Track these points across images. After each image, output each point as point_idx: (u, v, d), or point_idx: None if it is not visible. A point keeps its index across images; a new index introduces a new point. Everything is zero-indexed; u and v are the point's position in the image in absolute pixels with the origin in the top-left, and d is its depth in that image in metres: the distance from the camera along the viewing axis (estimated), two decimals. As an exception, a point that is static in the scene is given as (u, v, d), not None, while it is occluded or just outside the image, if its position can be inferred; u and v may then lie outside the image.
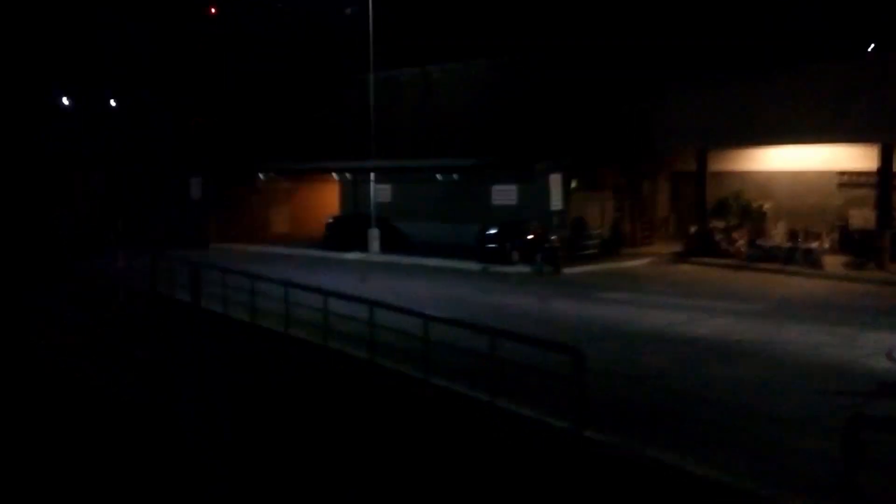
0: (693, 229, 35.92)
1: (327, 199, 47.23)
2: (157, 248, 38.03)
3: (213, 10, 46.63)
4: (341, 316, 16.55)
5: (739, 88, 32.06)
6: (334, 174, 39.06)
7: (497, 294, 23.89)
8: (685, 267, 30.19)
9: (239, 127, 42.60)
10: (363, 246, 35.11)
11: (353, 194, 40.54)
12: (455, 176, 33.89)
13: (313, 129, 42.58)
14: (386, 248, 35.03)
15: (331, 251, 35.73)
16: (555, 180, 28.59)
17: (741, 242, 31.48)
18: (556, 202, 28.75)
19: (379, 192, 38.89)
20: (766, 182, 34.20)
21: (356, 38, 38.88)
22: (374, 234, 34.94)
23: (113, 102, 46.03)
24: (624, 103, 33.68)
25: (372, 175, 34.83)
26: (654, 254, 33.08)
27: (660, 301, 22.31)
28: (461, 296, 23.31)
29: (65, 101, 46.72)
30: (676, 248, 33.86)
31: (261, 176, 39.44)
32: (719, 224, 33.42)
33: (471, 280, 27.22)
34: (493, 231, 30.74)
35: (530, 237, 29.51)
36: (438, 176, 32.70)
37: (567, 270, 28.36)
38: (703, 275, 28.20)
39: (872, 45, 30.58)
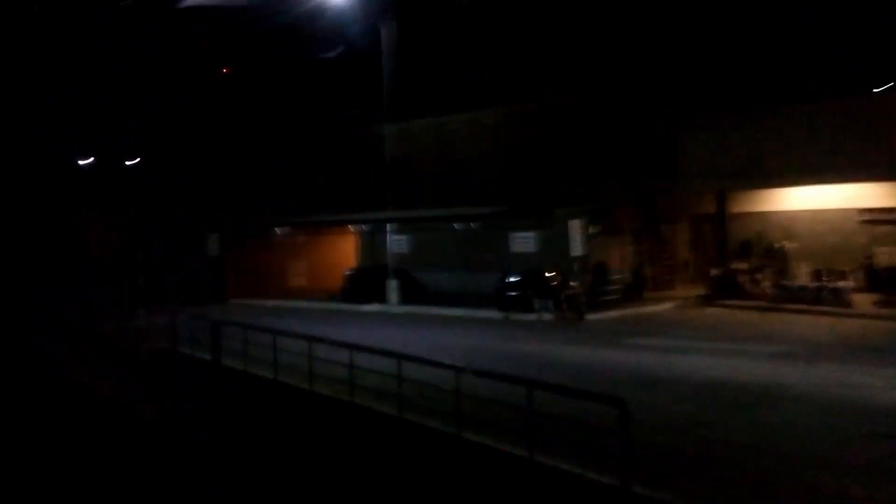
0: (714, 272, 35.59)
1: (344, 251, 47.06)
2: (176, 304, 38.08)
3: (225, 70, 47.31)
4: (366, 370, 16.14)
5: (756, 128, 31.99)
6: (351, 226, 38.90)
7: (521, 342, 23.42)
8: (711, 310, 29.67)
9: (253, 180, 42.73)
10: (382, 297, 34.83)
11: (371, 246, 40.41)
12: (473, 224, 33.69)
13: (328, 181, 42.73)
14: (405, 298, 34.72)
15: (349, 303, 35.41)
16: (574, 226, 28.34)
17: (766, 283, 30.99)
18: (577, 248, 28.44)
19: (396, 242, 38.75)
20: (787, 222, 33.85)
21: (368, 90, 39.29)
22: (392, 286, 34.67)
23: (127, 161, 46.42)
24: (642, 146, 33.61)
25: (388, 226, 34.66)
26: (678, 297, 32.62)
27: (690, 346, 21.77)
28: (486, 345, 22.85)
29: (81, 161, 47.20)
30: (699, 291, 33.41)
31: (277, 231, 39.34)
32: (742, 266, 33.02)
33: (493, 329, 26.78)
34: (513, 279, 30.38)
35: (552, 284, 29.12)
36: (456, 225, 32.49)
37: (591, 317, 27.92)
38: (730, 318, 27.66)
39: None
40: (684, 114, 32.61)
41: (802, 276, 32.00)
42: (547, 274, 30.28)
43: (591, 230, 31.40)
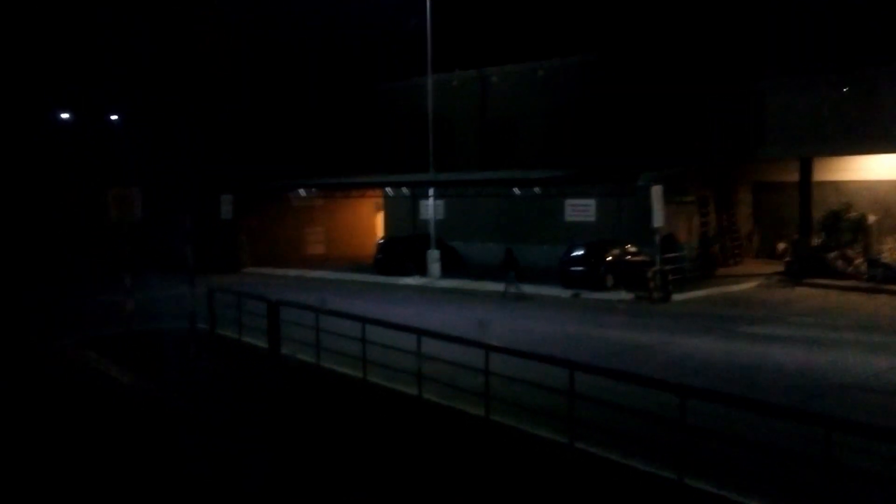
0: (782, 246, 32.46)
1: (363, 217, 43.42)
2: (183, 273, 34.35)
3: None
4: (463, 366, 12.63)
5: (853, 90, 28.49)
6: (387, 189, 34.85)
7: (614, 329, 19.93)
8: (803, 290, 26.34)
9: (269, 140, 38.73)
10: (420, 269, 31.28)
11: (402, 213, 36.77)
12: (518, 191, 29.96)
13: (350, 142, 38.87)
14: (445, 271, 31.24)
15: (384, 275, 31.83)
16: (657, 193, 24.79)
17: (859, 261, 27.80)
18: (659, 218, 24.94)
19: (427, 209, 35.18)
20: (866, 192, 30.59)
21: (402, 41, 35.34)
22: (434, 257, 31.08)
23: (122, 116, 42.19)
24: (717, 106, 30.04)
25: (432, 190, 30.94)
26: (755, 274, 29.32)
27: (828, 337, 18.40)
28: (570, 332, 19.36)
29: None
30: (771, 267, 30.24)
31: (301, 192, 35.46)
32: (819, 240, 29.83)
33: (566, 310, 23.28)
34: (579, 252, 26.89)
35: (631, 259, 25.72)
36: (516, 190, 28.80)
37: (674, 298, 24.57)
38: (836, 300, 24.30)
39: None
40: (772, 72, 28.93)
41: (886, 251, 28.96)
42: (617, 247, 26.91)
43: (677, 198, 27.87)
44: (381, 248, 33.28)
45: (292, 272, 34.60)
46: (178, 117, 39.87)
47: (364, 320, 13.88)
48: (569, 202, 31.06)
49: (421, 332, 12.71)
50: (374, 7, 35.02)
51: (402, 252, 32.39)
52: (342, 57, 38.66)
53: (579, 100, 31.02)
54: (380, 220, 43.15)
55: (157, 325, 19.84)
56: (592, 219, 30.62)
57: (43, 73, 42.32)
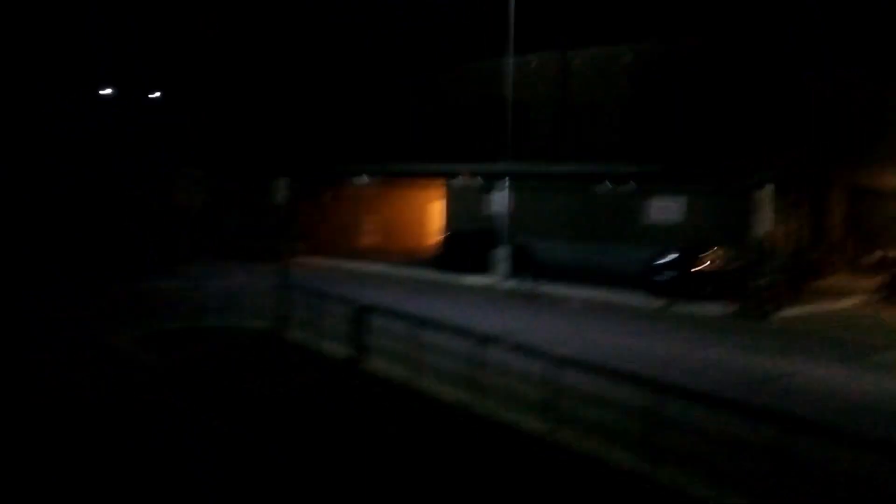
0: (876, 257, 30.05)
1: (419, 208, 41.42)
2: (238, 261, 32.75)
3: None
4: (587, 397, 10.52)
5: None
6: (457, 179, 32.40)
7: (720, 350, 17.43)
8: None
9: (327, 122, 36.76)
10: (485, 267, 29.12)
11: (465, 204, 34.59)
12: (614, 186, 27.57)
13: (413, 127, 36.72)
14: (513, 271, 29.04)
15: (446, 272, 29.75)
16: (765, 195, 22.37)
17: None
18: (764, 223, 22.54)
19: (497, 202, 32.95)
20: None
21: (476, 18, 33.03)
22: (503, 255, 28.87)
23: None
24: (823, 102, 27.40)
25: (506, 181, 28.66)
26: (856, 290, 26.77)
27: None
28: (673, 352, 17.04)
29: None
30: (867, 281, 27.69)
31: (364, 178, 33.44)
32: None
33: (658, 324, 20.91)
34: (670, 257, 24.54)
35: (730, 268, 23.35)
36: (607, 183, 26.41)
37: (778, 314, 22.13)
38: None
39: None
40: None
41: None
42: (715, 254, 24.50)
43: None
44: (444, 242, 31.18)
45: (346, 264, 32.66)
46: (230, 97, 38.13)
47: (478, 337, 11.78)
48: (655, 201, 28.67)
49: (558, 360, 10.55)
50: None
51: (464, 248, 30.28)
52: (408, 36, 36.38)
53: (668, 89, 28.53)
54: (437, 211, 41.09)
55: (221, 322, 17.93)
56: (678, 219, 28.21)
57: (85, 49, 40.88)
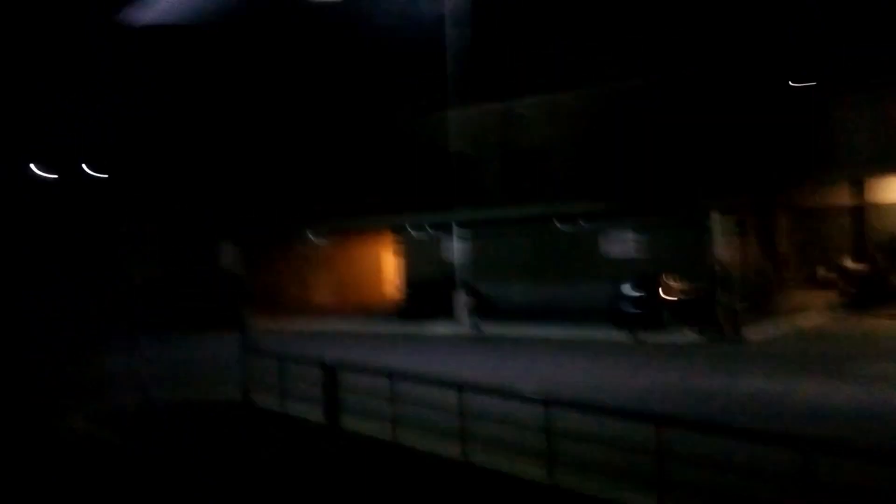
0: (822, 272, 30.65)
1: (371, 262, 40.86)
2: (187, 330, 31.54)
3: None
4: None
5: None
6: (410, 230, 31.98)
7: (709, 377, 17.22)
8: (879, 322, 24.10)
9: (271, 179, 36.13)
10: (447, 314, 28.62)
11: (421, 255, 34.21)
12: (569, 226, 27.54)
13: (359, 180, 36.36)
14: (474, 316, 28.61)
15: (409, 323, 29.16)
16: (716, 222, 22.58)
17: (931, 287, 25.72)
18: (721, 249, 22.68)
19: (453, 250, 32.70)
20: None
21: (419, 72, 33.10)
22: (462, 301, 28.48)
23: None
24: (768, 126, 27.96)
25: (459, 229, 28.42)
26: (814, 305, 27.09)
27: None
28: (663, 383, 16.78)
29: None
30: (821, 296, 28.14)
31: (311, 237, 32.85)
32: (856, 266, 27.93)
33: (633, 356, 20.68)
34: (630, 289, 24.45)
35: (694, 296, 23.36)
36: (560, 225, 26.37)
37: (748, 336, 22.13)
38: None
39: None
40: (841, 87, 26.92)
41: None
42: (673, 282, 24.52)
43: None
44: (404, 294, 30.66)
45: (307, 326, 31.76)
46: (172, 160, 37.31)
47: (457, 386, 11.24)
48: (608, 236, 28.74)
49: (550, 402, 10.03)
50: (388, 35, 32.78)
51: (425, 298, 29.82)
52: (352, 90, 36.28)
53: (612, 127, 28.92)
54: (391, 262, 40.61)
55: (177, 394, 16.99)
56: (634, 253, 28.29)
57: (18, 123, 39.86)
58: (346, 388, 13.41)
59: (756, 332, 22.29)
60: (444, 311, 28.58)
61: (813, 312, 25.96)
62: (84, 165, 39.73)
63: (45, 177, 40.10)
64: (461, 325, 27.90)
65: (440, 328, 27.86)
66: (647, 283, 24.24)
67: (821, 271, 32.74)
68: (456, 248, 29.34)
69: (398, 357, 21.44)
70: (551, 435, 9.83)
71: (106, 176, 38.95)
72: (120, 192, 38.07)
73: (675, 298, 23.83)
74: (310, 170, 36.81)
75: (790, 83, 27.51)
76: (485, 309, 29.48)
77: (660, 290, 23.89)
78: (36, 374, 22.53)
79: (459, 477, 10.69)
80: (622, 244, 28.52)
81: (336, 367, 13.36)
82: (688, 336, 22.54)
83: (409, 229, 32.48)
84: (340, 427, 13.18)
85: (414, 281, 31.62)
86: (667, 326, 23.33)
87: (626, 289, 24.44)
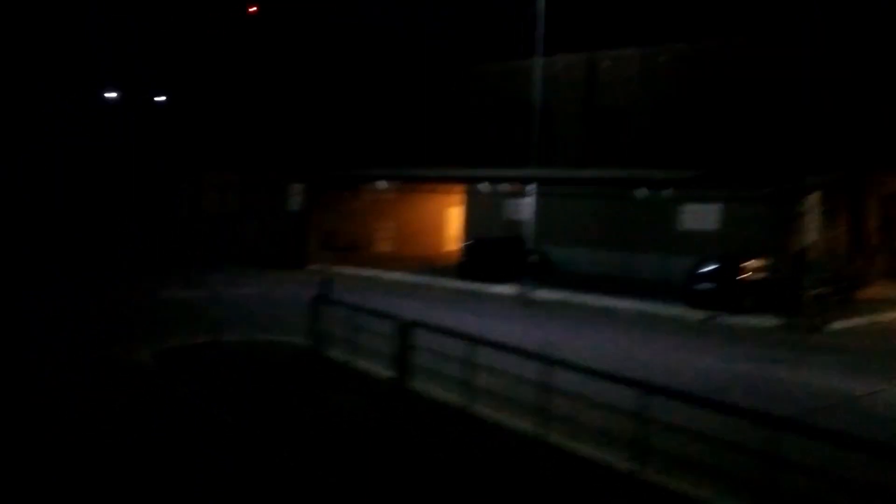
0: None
1: (434, 214, 40.23)
2: (255, 268, 31.50)
3: (252, 9, 38.28)
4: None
5: None
6: (481, 185, 31.01)
7: (788, 368, 16.24)
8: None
9: (342, 125, 35.54)
10: (509, 276, 27.87)
11: (486, 211, 33.45)
12: (647, 191, 26.33)
13: (430, 130, 35.56)
14: (540, 280, 27.82)
15: (471, 282, 28.54)
16: (813, 202, 21.23)
17: None
18: (812, 231, 21.37)
19: (517, 208, 31.78)
20: None
21: (496, 18, 31.90)
22: (530, 263, 27.63)
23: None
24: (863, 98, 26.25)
25: (533, 187, 27.47)
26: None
27: None
28: (736, 371, 15.83)
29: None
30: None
31: (383, 183, 32.26)
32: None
33: (707, 338, 19.69)
34: (710, 266, 23.36)
35: (778, 278, 22.19)
36: (644, 189, 25.17)
37: (832, 326, 20.96)
38: None
39: None
40: None
41: None
42: (758, 263, 23.31)
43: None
44: (467, 250, 29.99)
45: (364, 271, 31.43)
46: (242, 100, 36.97)
47: (547, 360, 10.56)
48: (687, 208, 27.54)
49: (652, 390, 9.27)
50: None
51: (490, 256, 29.09)
52: (424, 36, 35.22)
53: (703, 90, 27.42)
54: (454, 217, 39.94)
55: (248, 336, 16.72)
56: (714, 227, 27.07)
57: (88, 52, 40.02)
58: (415, 345, 12.88)
59: (837, 323, 21.09)
60: (506, 272, 27.84)
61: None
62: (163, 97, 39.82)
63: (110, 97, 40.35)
64: (525, 287, 27.16)
65: (503, 289, 27.14)
66: (726, 261, 23.09)
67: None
68: (524, 208, 28.43)
69: (458, 316, 20.87)
70: (646, 424, 9.10)
71: (168, 100, 38.92)
72: (190, 122, 38.05)
73: (754, 281, 22.67)
74: (380, 116, 36.11)
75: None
76: (549, 273, 28.73)
77: (739, 270, 22.72)
78: (108, 304, 22.54)
79: (534, 456, 10.08)
80: (701, 218, 27.31)
81: (410, 325, 12.78)
82: (767, 321, 21.44)
83: (476, 184, 31.57)
84: (410, 388, 12.67)
85: (478, 239, 30.79)
86: (743, 309, 22.23)
87: (703, 266, 23.33)
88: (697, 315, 22.30)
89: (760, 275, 22.91)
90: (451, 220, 40.13)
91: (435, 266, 33.41)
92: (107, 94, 40.64)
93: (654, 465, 9.19)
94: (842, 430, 8.88)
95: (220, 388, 12.74)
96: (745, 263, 22.83)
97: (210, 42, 37.03)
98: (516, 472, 9.69)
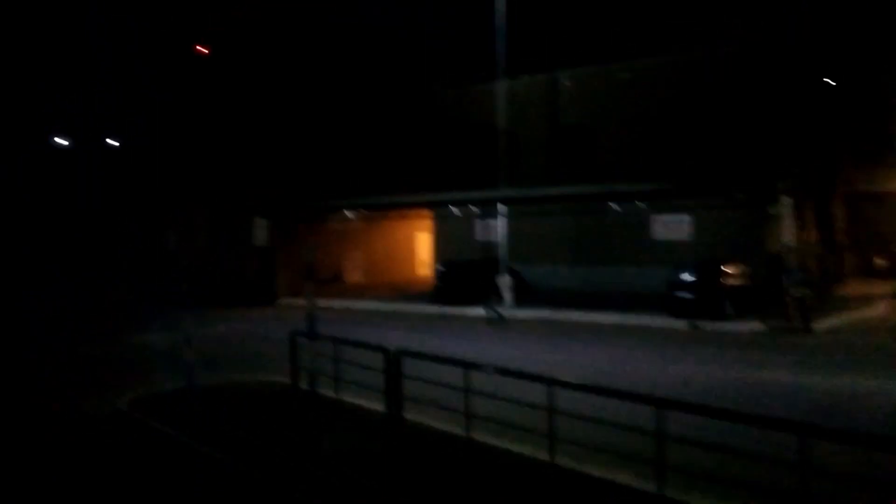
0: (881, 261, 29.47)
1: (402, 241, 39.76)
2: (223, 306, 30.55)
3: (203, 49, 37.36)
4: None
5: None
6: (451, 207, 30.62)
7: (783, 372, 15.89)
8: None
9: (301, 154, 34.89)
10: (485, 298, 27.43)
11: (455, 234, 33.08)
12: (616, 206, 26.23)
13: (393, 156, 35.17)
14: (513, 300, 27.47)
15: (447, 306, 28.05)
16: (784, 206, 21.26)
17: None
18: (787, 233, 21.37)
19: (487, 229, 31.57)
20: None
21: (458, 42, 31.78)
22: (505, 283, 27.32)
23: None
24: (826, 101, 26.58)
25: (502, 208, 27.21)
26: (875, 295, 25.82)
27: None
28: (733, 378, 15.51)
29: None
30: (879, 285, 26.99)
31: (348, 214, 31.74)
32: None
33: (697, 346, 19.39)
34: (688, 274, 23.19)
35: (741, 281, 22.18)
36: (613, 205, 25.02)
37: (818, 325, 20.88)
38: None
39: None
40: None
41: None
42: (735, 268, 23.23)
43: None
44: (441, 274, 29.48)
45: (336, 303, 30.73)
46: (201, 134, 36.18)
47: (545, 381, 10.10)
48: (658, 218, 27.49)
49: (665, 404, 8.83)
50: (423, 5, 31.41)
51: (464, 279, 28.64)
52: (383, 62, 34.94)
53: (667, 102, 27.52)
54: (422, 242, 39.55)
55: (222, 377, 15.99)
56: (686, 237, 27.04)
57: (37, 96, 39.22)
58: (404, 375, 12.33)
59: (820, 323, 21.04)
60: (483, 294, 27.41)
61: (878, 302, 24.70)
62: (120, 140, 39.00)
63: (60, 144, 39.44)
64: (502, 308, 26.76)
65: (478, 311, 26.68)
66: (706, 268, 22.97)
67: (877, 260, 31.48)
68: (495, 229, 28.16)
69: (442, 342, 20.41)
70: (663, 440, 8.65)
71: (147, 152, 38.22)
72: (159, 169, 37.24)
73: (734, 286, 22.57)
74: (344, 146, 35.62)
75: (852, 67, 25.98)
76: (525, 292, 28.39)
77: (719, 275, 22.61)
78: (78, 351, 21.59)
79: (548, 481, 9.59)
80: (674, 227, 27.27)
81: (399, 355, 12.24)
82: (751, 326, 21.31)
83: (446, 208, 31.18)
84: (404, 417, 12.10)
85: (450, 262, 30.35)
86: (725, 316, 22.09)
87: (683, 274, 23.18)
88: (680, 324, 22.10)
89: (739, 280, 22.82)
90: (420, 245, 39.72)
91: (408, 292, 32.89)
92: (57, 140, 39.82)
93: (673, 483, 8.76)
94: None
95: (206, 433, 12.02)
96: (724, 269, 22.71)
97: (166, 79, 36.27)
98: (531, 497, 9.19)
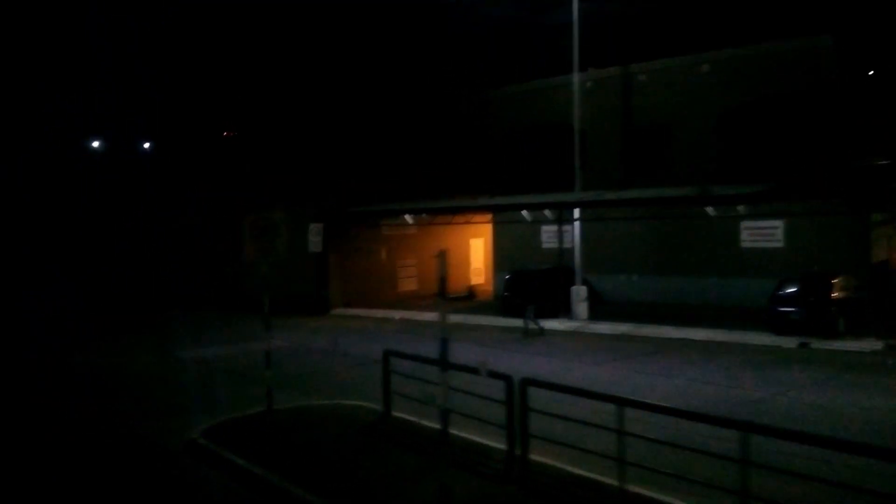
0: None
1: (459, 246, 37.90)
2: (280, 316, 28.75)
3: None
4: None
5: None
6: (523, 212, 28.54)
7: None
8: None
9: (359, 159, 33.33)
10: (555, 310, 25.50)
11: (518, 241, 31.24)
12: (720, 208, 24.11)
13: (450, 158, 33.47)
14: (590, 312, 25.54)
15: (512, 317, 26.13)
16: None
17: None
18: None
19: (549, 236, 29.71)
20: None
21: (519, 40, 30.01)
22: (580, 295, 25.39)
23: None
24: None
25: (577, 212, 25.30)
26: None
27: None
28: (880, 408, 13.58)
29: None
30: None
31: (408, 218, 30.00)
32: None
33: (815, 368, 17.33)
34: (794, 288, 21.07)
35: (850, 294, 20.14)
36: (709, 209, 22.93)
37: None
38: None
39: None
40: None
41: None
42: (845, 281, 21.10)
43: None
44: (508, 284, 27.55)
45: (395, 314, 29.01)
46: (255, 135, 34.80)
47: (688, 415, 8.23)
48: (749, 224, 25.40)
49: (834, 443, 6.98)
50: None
51: (533, 289, 26.68)
52: (438, 62, 33.29)
53: (756, 98, 25.47)
54: (477, 249, 37.74)
55: (300, 400, 14.31)
56: (781, 244, 24.93)
57: (75, 99, 38.50)
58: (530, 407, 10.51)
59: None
60: (554, 305, 25.51)
61: None
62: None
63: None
64: (579, 322, 24.88)
65: (553, 324, 24.76)
66: (812, 280, 20.86)
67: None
68: (564, 235, 26.29)
69: (525, 360, 18.61)
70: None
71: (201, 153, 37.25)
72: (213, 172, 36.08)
73: (843, 300, 20.45)
74: (398, 150, 33.98)
75: None
76: (598, 304, 26.47)
77: (828, 289, 20.48)
78: (134, 368, 20.10)
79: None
80: (761, 234, 25.18)
81: (527, 384, 10.42)
82: (868, 344, 19.18)
83: (509, 212, 29.24)
84: (529, 460, 10.27)
85: (518, 270, 28.37)
86: (835, 333, 19.99)
87: (787, 286, 21.10)
88: (789, 342, 19.99)
89: (849, 293, 20.70)
90: (474, 252, 37.91)
91: (469, 303, 31.06)
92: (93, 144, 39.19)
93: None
94: None
95: (294, 470, 10.29)
96: (834, 281, 20.59)
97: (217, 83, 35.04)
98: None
